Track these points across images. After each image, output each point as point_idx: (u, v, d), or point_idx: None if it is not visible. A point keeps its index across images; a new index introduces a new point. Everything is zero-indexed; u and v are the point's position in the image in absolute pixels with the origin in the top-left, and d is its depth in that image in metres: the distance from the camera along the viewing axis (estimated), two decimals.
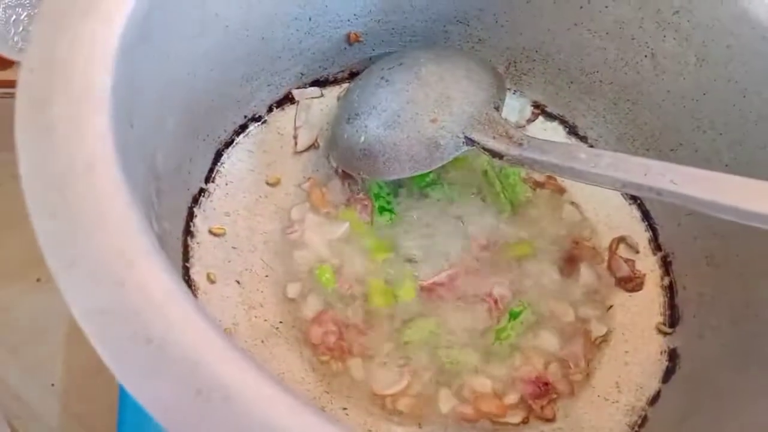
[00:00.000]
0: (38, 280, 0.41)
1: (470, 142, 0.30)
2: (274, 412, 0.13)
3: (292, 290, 0.30)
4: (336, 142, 0.32)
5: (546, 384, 0.29)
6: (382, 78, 0.32)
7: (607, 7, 0.30)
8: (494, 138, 0.29)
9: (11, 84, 0.49)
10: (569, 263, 0.32)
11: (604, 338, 0.31)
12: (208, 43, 0.27)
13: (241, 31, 0.28)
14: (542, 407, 0.28)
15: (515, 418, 0.28)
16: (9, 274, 0.41)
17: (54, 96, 0.17)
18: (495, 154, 0.29)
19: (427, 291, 0.30)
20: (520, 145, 0.28)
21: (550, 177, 0.34)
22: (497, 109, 0.31)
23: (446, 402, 0.28)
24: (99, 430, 0.36)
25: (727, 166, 0.29)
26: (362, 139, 0.31)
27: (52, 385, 0.38)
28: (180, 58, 0.25)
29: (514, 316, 0.30)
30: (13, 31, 0.42)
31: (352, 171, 0.32)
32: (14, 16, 0.43)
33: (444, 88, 0.31)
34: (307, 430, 0.13)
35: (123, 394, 0.32)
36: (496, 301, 0.30)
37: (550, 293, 0.31)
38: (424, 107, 0.30)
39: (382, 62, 0.33)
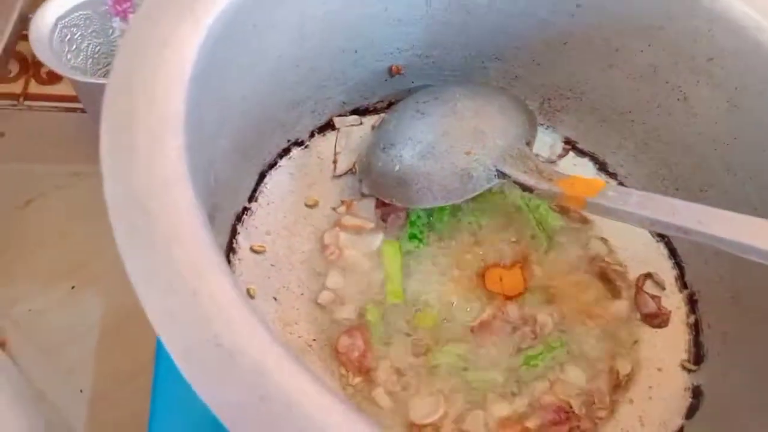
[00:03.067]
0: (73, 287, 0.42)
1: (501, 175, 0.31)
2: (332, 420, 0.14)
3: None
4: (370, 170, 0.33)
5: (566, 413, 0.29)
6: (418, 111, 0.33)
7: (642, 51, 0.32)
8: (525, 172, 0.30)
9: (61, 98, 0.52)
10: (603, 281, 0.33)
11: (629, 376, 0.31)
12: (261, 71, 0.28)
13: (292, 61, 0.30)
14: None
15: None
16: (45, 281, 0.42)
17: (136, 119, 0.19)
18: (525, 188, 0.30)
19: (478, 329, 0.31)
20: (550, 180, 0.29)
21: None
22: (528, 144, 0.32)
23: (475, 424, 0.29)
24: None
25: (756, 209, 0.30)
26: (397, 168, 0.32)
27: (81, 391, 0.39)
28: (236, 84, 0.27)
29: (549, 349, 0.31)
30: (66, 50, 0.45)
31: (384, 198, 0.33)
32: (69, 36, 0.45)
33: (478, 122, 0.32)
34: None
35: (154, 404, 0.33)
36: (534, 329, 0.31)
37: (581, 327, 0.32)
38: (459, 140, 0.32)
39: (418, 95, 0.35)
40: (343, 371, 0.29)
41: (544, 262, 0.33)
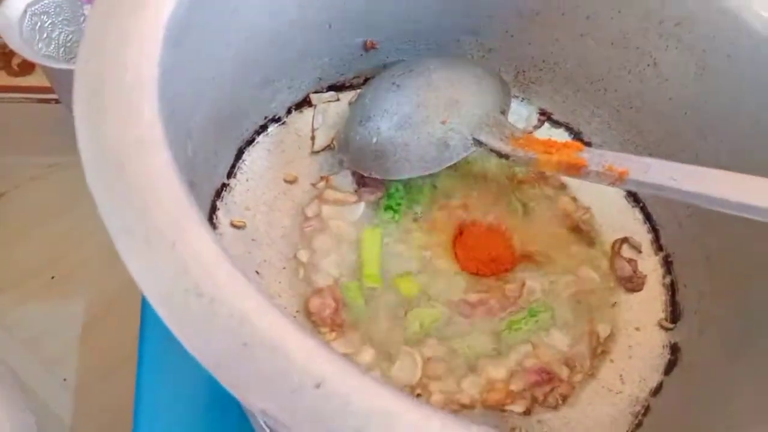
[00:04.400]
0: (53, 277, 0.42)
1: (478, 143, 0.31)
2: (317, 364, 0.14)
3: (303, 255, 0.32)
4: (349, 144, 0.33)
5: (548, 373, 0.30)
6: (393, 83, 0.34)
7: (612, 18, 0.32)
8: (501, 139, 0.31)
9: (34, 89, 0.51)
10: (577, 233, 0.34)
11: (609, 338, 0.32)
12: (235, 46, 0.28)
13: (265, 36, 0.30)
14: (545, 395, 0.29)
15: (518, 407, 0.29)
16: (25, 272, 0.42)
17: (108, 83, 0.19)
18: (501, 155, 0.31)
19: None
20: (526, 146, 0.30)
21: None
22: (503, 113, 0.33)
23: (463, 389, 0.29)
24: (113, 427, 0.37)
25: (720, 167, 0.30)
26: (374, 140, 0.32)
27: (65, 380, 0.39)
28: (210, 58, 0.26)
29: (532, 314, 0.31)
30: (37, 38, 0.44)
31: (364, 171, 0.33)
32: (39, 23, 0.44)
33: (453, 92, 0.32)
34: (347, 378, 0.14)
35: (139, 391, 0.33)
36: (521, 294, 0.32)
37: (564, 292, 0.33)
38: (434, 110, 0.32)
39: (393, 69, 0.35)
40: (323, 330, 0.29)
41: (520, 228, 0.34)
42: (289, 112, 0.35)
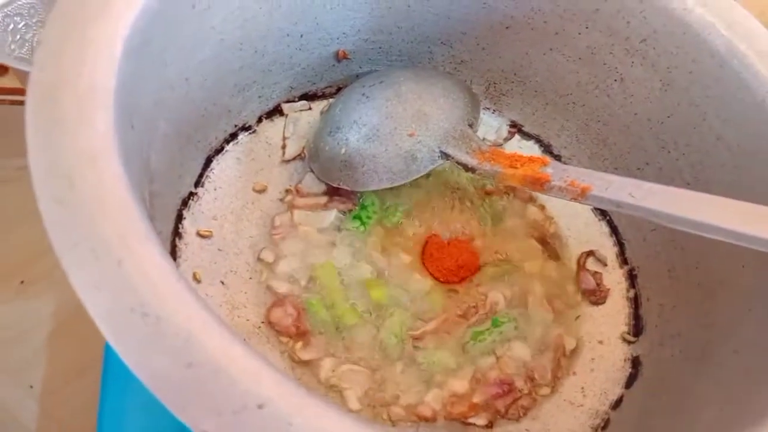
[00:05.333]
0: (22, 282, 0.42)
1: (445, 156, 0.32)
2: (261, 385, 0.15)
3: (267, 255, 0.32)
4: (318, 154, 0.34)
5: (509, 385, 0.30)
6: (363, 94, 0.34)
7: (580, 33, 0.32)
8: (467, 152, 0.31)
9: (6, 91, 0.50)
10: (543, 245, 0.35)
11: (574, 351, 0.32)
12: (203, 54, 0.28)
13: (235, 44, 0.30)
14: (507, 408, 0.29)
15: (481, 420, 0.29)
16: None
17: (63, 92, 0.18)
18: (468, 168, 0.31)
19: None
20: (492, 159, 0.30)
21: None
22: (471, 126, 0.33)
23: (426, 403, 0.29)
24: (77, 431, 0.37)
25: (688, 184, 0.31)
26: (343, 151, 0.32)
27: (31, 387, 0.38)
28: (176, 66, 0.26)
29: (495, 324, 0.32)
30: (10, 39, 0.44)
31: (332, 182, 0.33)
32: (12, 25, 0.44)
33: (422, 104, 0.33)
34: (291, 400, 0.14)
35: (103, 397, 0.33)
36: (483, 304, 0.32)
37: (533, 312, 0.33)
38: (403, 122, 0.32)
39: (363, 80, 0.35)
40: (284, 340, 0.30)
41: (489, 238, 0.34)
42: (259, 120, 0.35)
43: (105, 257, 0.16)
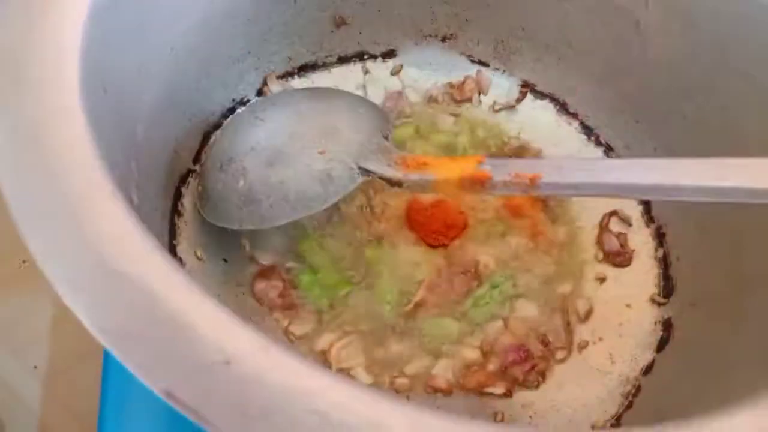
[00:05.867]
0: (24, 262, 0.41)
1: (365, 172, 0.28)
2: (229, 341, 0.13)
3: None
4: (208, 195, 0.29)
5: (526, 351, 0.28)
6: (257, 118, 0.30)
7: None
8: (389, 165, 0.27)
9: None
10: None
11: (589, 313, 0.30)
12: (188, 21, 0.27)
13: (225, 11, 0.29)
14: (524, 374, 0.28)
15: (499, 389, 0.27)
16: None
17: (25, 52, 0.17)
18: (393, 183, 0.27)
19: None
20: (419, 167, 0.27)
21: None
22: (386, 138, 0.29)
23: (439, 374, 0.28)
24: (81, 414, 0.36)
25: (716, 132, 0.29)
26: (241, 183, 0.28)
27: (35, 367, 0.37)
28: (158, 33, 0.25)
29: (494, 285, 0.30)
30: None
31: (231, 225, 0.28)
32: None
33: (328, 119, 0.29)
34: (263, 356, 0.13)
35: (106, 378, 0.32)
36: (476, 270, 0.30)
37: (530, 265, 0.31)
38: (309, 139, 0.28)
39: (252, 106, 0.32)
40: (277, 317, 0.28)
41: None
42: (259, 93, 0.34)
43: (65, 217, 0.15)
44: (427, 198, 0.32)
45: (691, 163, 0.21)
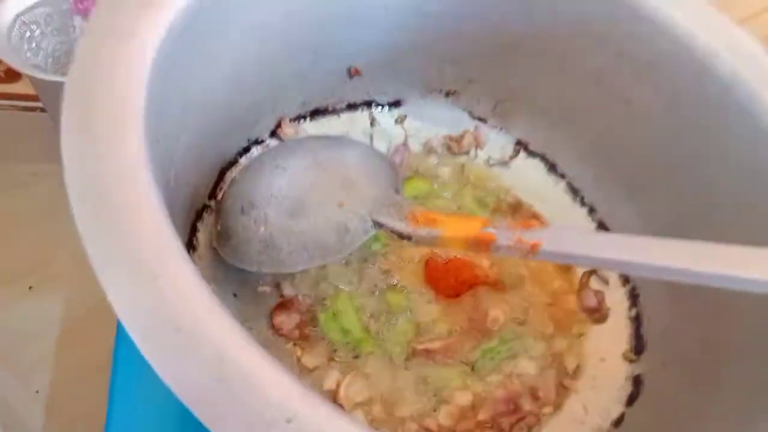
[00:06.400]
0: (30, 288, 0.42)
1: (378, 225, 0.30)
2: (290, 399, 0.15)
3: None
4: (228, 237, 0.30)
5: (515, 404, 0.31)
6: (278, 166, 0.31)
7: (589, 55, 0.33)
8: (400, 220, 0.30)
9: (19, 97, 0.51)
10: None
11: (576, 370, 0.33)
12: (223, 70, 0.29)
13: (253, 60, 0.31)
14: (511, 426, 0.30)
15: None
16: (2, 281, 0.42)
17: (96, 108, 0.19)
18: (402, 236, 0.29)
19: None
20: (428, 223, 0.29)
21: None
22: (397, 192, 0.32)
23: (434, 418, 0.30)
24: None
25: (695, 207, 0.32)
26: (261, 230, 0.29)
27: (37, 392, 0.38)
28: (198, 82, 0.27)
29: (503, 341, 0.32)
30: (26, 47, 0.44)
31: (249, 267, 0.30)
32: (28, 33, 0.44)
33: (345, 172, 0.31)
34: (318, 415, 0.15)
35: (111, 403, 0.33)
36: (486, 325, 0.33)
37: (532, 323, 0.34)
38: (329, 192, 0.30)
39: (272, 152, 0.33)
40: (288, 347, 0.30)
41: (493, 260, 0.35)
42: (272, 134, 0.36)
43: (141, 274, 0.16)
44: (444, 254, 0.34)
45: (684, 246, 0.24)
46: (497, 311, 0.33)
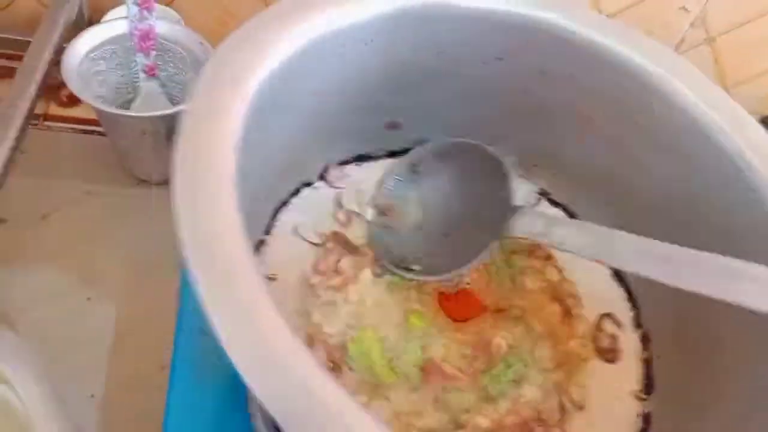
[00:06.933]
0: (88, 299, 0.45)
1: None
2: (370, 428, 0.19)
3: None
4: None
5: (530, 430, 0.34)
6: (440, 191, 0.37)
7: (608, 121, 0.37)
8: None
9: (78, 121, 0.55)
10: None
11: (582, 402, 0.35)
12: (289, 129, 0.33)
13: (312, 119, 0.35)
14: None
15: None
16: (61, 291, 0.45)
17: (197, 180, 0.23)
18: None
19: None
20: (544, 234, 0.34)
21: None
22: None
23: None
24: None
25: None
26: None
27: (92, 396, 0.41)
28: (268, 143, 0.31)
29: (507, 365, 0.35)
30: (93, 80, 0.48)
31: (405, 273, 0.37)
32: (95, 68, 0.48)
33: (471, 192, 0.36)
34: None
35: (169, 411, 0.36)
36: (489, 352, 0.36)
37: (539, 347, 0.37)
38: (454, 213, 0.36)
39: (420, 187, 0.39)
40: None
41: (503, 287, 0.38)
42: (321, 177, 0.40)
43: (241, 317, 0.20)
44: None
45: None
46: (498, 340, 0.36)
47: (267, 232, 0.37)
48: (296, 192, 0.39)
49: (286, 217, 0.38)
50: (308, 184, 0.39)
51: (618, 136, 0.37)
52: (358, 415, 0.19)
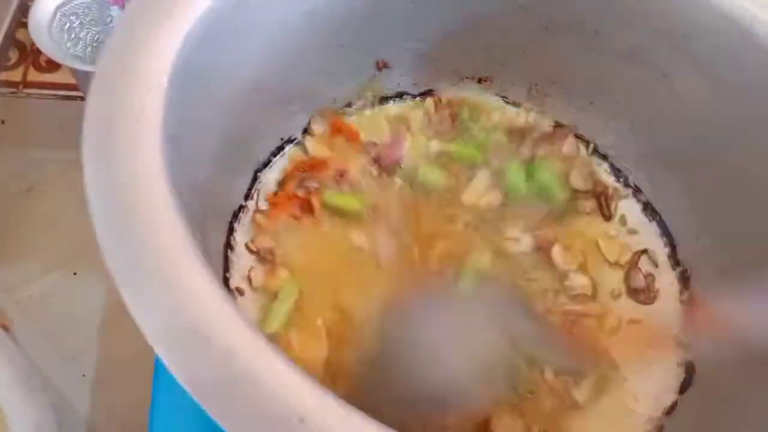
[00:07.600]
0: (75, 273, 0.43)
1: None
2: (303, 399, 0.15)
3: None
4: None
5: None
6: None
7: (621, 32, 0.32)
8: None
9: (60, 86, 0.51)
10: None
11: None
12: (246, 72, 0.29)
13: (277, 60, 0.31)
14: None
15: None
16: (48, 266, 0.43)
17: (115, 118, 0.20)
18: None
19: None
20: None
21: None
22: None
23: None
24: (128, 421, 0.38)
25: (737, 182, 0.30)
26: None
27: (84, 375, 0.40)
28: (222, 85, 0.27)
29: None
30: (66, 38, 0.45)
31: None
32: (68, 24, 0.45)
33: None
34: (333, 414, 0.15)
35: (157, 388, 0.33)
36: None
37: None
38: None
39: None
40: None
41: None
42: (305, 132, 0.36)
43: (159, 282, 0.17)
44: None
45: None
46: None
47: (248, 196, 0.33)
48: (279, 150, 0.35)
49: (270, 178, 0.34)
50: (292, 141, 0.36)
51: (631, 47, 0.32)
52: (306, 390, 0.15)
